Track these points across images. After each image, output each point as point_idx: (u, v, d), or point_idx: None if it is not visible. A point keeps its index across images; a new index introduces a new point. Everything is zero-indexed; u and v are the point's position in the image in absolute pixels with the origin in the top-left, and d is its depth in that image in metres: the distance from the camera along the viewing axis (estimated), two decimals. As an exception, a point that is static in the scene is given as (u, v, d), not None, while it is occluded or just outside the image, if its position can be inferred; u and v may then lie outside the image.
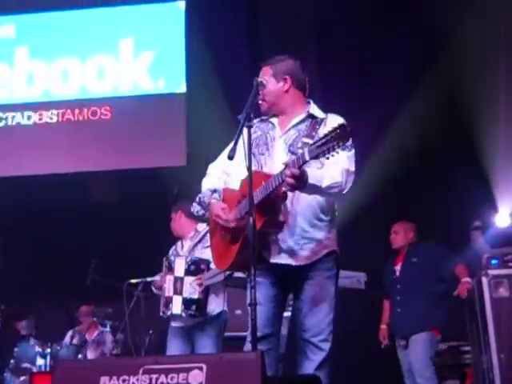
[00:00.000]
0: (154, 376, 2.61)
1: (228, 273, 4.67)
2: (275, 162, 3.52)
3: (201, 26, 8.00)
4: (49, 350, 6.76)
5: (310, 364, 3.45)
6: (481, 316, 5.67)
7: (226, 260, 3.62)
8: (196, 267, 5.19)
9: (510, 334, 5.38)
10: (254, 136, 3.52)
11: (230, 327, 5.85)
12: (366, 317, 6.47)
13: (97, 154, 8.03)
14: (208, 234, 4.38)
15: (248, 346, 3.39)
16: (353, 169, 3.46)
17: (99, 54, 8.47)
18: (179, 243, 5.56)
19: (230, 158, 3.30)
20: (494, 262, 5.68)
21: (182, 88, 8.17)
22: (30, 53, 8.51)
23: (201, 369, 2.59)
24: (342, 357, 6.07)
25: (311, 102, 3.73)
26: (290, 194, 3.41)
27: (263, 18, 7.88)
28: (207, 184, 3.73)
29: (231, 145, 3.57)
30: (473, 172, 6.91)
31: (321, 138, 3.11)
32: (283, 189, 3.34)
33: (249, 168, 3.31)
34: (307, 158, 3.13)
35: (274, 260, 3.50)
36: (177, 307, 5.16)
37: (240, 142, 3.45)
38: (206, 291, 5.19)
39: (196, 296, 5.14)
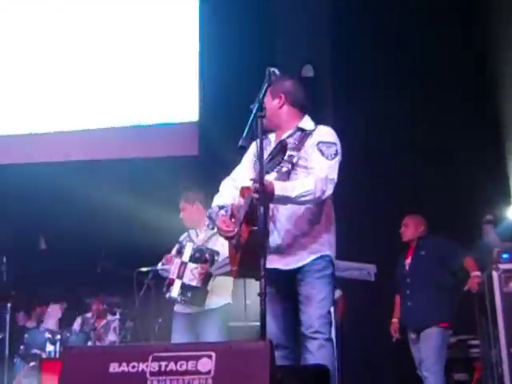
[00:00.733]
0: (164, 363, 2.62)
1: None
2: (270, 174, 3.62)
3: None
4: (58, 337, 6.78)
5: (309, 355, 3.58)
6: (491, 310, 5.66)
7: (235, 268, 3.76)
8: (200, 255, 5.22)
9: (519, 328, 5.38)
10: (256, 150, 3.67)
11: (239, 317, 5.88)
12: (375, 308, 6.47)
13: (107, 143, 8.05)
14: None
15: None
16: (332, 176, 3.62)
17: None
18: (193, 231, 5.56)
19: (242, 148, 3.39)
20: (504, 256, 5.67)
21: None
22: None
23: (210, 357, 2.60)
24: (352, 348, 6.12)
25: (306, 116, 3.90)
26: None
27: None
28: (217, 201, 3.90)
29: (243, 159, 3.97)
30: (486, 164, 6.87)
31: (269, 154, 3.45)
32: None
33: (260, 158, 3.37)
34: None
35: (273, 266, 3.61)
36: (175, 291, 5.22)
37: (250, 155, 3.82)
38: (206, 281, 5.22)
39: (194, 283, 5.18)
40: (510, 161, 7.07)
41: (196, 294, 5.18)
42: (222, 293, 5.35)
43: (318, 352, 3.56)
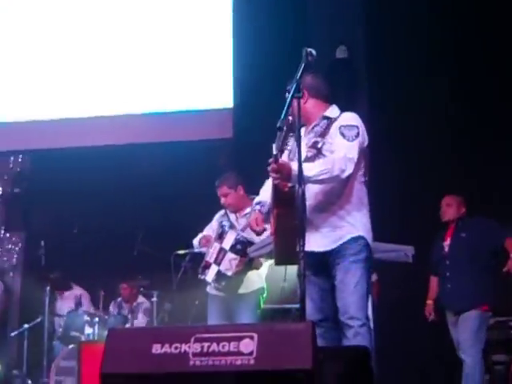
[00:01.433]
0: (206, 344, 2.62)
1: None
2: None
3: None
4: (97, 319, 6.86)
5: (346, 341, 3.62)
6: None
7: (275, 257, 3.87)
8: (242, 248, 5.23)
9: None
10: (288, 147, 3.71)
11: (276, 299, 5.89)
12: (413, 290, 6.43)
13: (145, 127, 8.10)
14: None
15: None
16: (351, 155, 3.68)
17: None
18: (233, 215, 5.51)
19: (280, 129, 3.39)
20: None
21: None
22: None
23: (252, 338, 2.60)
24: (389, 330, 6.10)
25: (333, 105, 3.97)
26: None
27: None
28: (258, 197, 4.02)
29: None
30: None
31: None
32: (288, 185, 3.54)
33: (298, 139, 3.42)
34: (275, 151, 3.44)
35: (310, 248, 3.60)
36: (210, 275, 5.28)
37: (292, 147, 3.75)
38: (241, 273, 5.26)
39: (230, 273, 5.22)
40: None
41: (229, 283, 5.24)
42: (256, 277, 5.36)
43: (354, 339, 3.58)
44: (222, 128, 7.83)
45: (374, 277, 6.12)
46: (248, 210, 5.48)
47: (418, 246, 5.49)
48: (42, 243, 7.02)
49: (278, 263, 3.95)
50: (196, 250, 5.62)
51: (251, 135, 7.04)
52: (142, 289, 7.40)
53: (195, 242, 5.61)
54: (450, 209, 6.01)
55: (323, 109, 3.93)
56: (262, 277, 5.44)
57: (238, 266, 5.20)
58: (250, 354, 2.57)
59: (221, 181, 5.49)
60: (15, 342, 8.07)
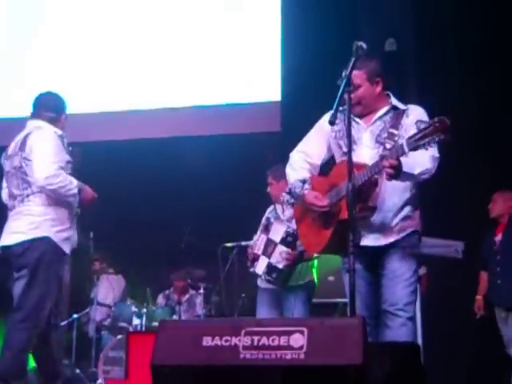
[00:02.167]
0: (256, 338, 2.63)
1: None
2: (364, 152, 3.68)
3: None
4: (144, 311, 6.92)
5: (389, 331, 3.57)
6: None
7: (320, 243, 3.76)
8: (293, 240, 5.21)
9: None
10: (335, 128, 3.73)
11: (322, 293, 5.88)
12: (463, 286, 6.37)
13: (192, 119, 8.15)
14: None
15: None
16: (437, 155, 3.57)
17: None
18: (279, 206, 5.53)
19: (331, 123, 3.42)
20: None
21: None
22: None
23: (302, 332, 2.60)
24: (436, 325, 6.06)
25: (390, 94, 3.87)
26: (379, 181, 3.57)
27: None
28: (295, 175, 3.89)
29: (311, 132, 3.97)
30: None
31: (419, 132, 3.22)
32: (375, 176, 3.49)
33: (348, 136, 3.40)
34: (406, 150, 3.29)
35: (364, 243, 3.61)
36: (260, 268, 5.27)
37: (323, 126, 3.75)
38: (292, 265, 5.23)
39: (281, 266, 5.21)
40: None
41: (280, 276, 5.21)
42: (306, 269, 5.36)
43: (400, 330, 3.55)
44: (270, 121, 7.83)
45: (424, 270, 6.08)
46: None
47: (468, 241, 5.45)
48: (91, 234, 7.09)
49: (321, 253, 3.92)
50: (243, 243, 5.64)
51: (299, 129, 6.99)
52: (189, 281, 7.45)
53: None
54: (495, 205, 5.97)
55: (386, 98, 3.85)
56: (313, 269, 5.43)
57: (289, 260, 5.19)
58: (300, 348, 2.57)
59: (270, 170, 5.59)
60: (64, 332, 8.20)
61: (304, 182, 3.81)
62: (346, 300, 3.57)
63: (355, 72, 3.64)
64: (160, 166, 7.85)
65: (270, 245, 5.28)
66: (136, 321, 6.92)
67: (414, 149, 3.24)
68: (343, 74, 3.46)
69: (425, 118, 3.63)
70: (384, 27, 7.65)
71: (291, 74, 7.92)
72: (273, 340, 2.62)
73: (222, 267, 5.87)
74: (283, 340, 2.61)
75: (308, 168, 3.89)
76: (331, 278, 6.18)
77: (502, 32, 7.10)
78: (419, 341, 5.04)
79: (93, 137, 8.31)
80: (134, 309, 6.98)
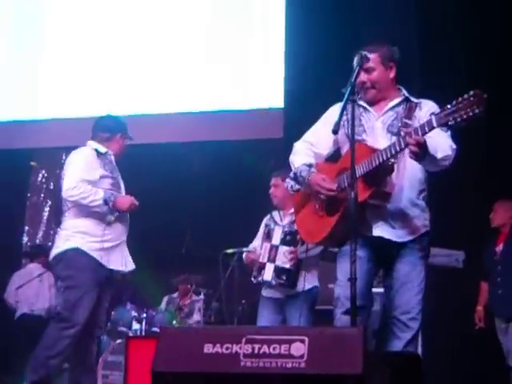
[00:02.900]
0: (257, 346, 2.64)
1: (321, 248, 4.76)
2: (375, 141, 3.57)
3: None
4: (144, 315, 6.92)
5: (399, 342, 3.48)
6: None
7: (319, 233, 3.66)
8: (292, 238, 5.21)
9: None
10: (344, 117, 3.55)
11: (322, 301, 5.87)
12: (463, 296, 6.36)
13: (194, 125, 8.16)
14: None
15: (341, 318, 3.44)
16: (455, 146, 3.49)
17: None
18: (276, 213, 5.50)
19: (335, 132, 3.38)
20: None
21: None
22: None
23: (303, 341, 2.61)
24: (438, 335, 6.04)
25: (402, 88, 3.78)
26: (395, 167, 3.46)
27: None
28: (300, 160, 3.76)
29: (318, 124, 3.87)
30: None
31: (452, 106, 3.12)
32: (391, 161, 3.40)
33: (351, 143, 3.36)
34: (435, 124, 3.18)
35: (376, 233, 3.51)
36: (268, 274, 5.26)
37: (331, 118, 3.61)
38: (299, 263, 5.21)
39: (288, 266, 5.20)
40: None
41: (289, 276, 5.19)
42: (310, 276, 5.34)
43: (411, 345, 3.45)
44: (273, 128, 7.84)
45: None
46: (292, 209, 5.51)
47: (468, 251, 5.44)
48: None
49: (324, 244, 3.84)
50: (244, 250, 5.63)
51: (301, 135, 7.01)
52: (190, 286, 7.45)
53: (244, 255, 5.63)
54: (496, 214, 5.96)
55: (397, 88, 3.75)
56: (316, 275, 5.40)
57: (293, 258, 5.17)
58: (301, 357, 2.58)
59: (279, 172, 5.50)
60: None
61: (310, 165, 3.69)
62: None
63: (369, 54, 3.61)
64: (162, 171, 7.86)
65: (272, 250, 5.29)
66: (136, 325, 6.92)
67: (444, 124, 3.14)
68: (347, 84, 3.46)
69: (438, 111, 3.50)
70: (387, 36, 7.65)
71: (294, 80, 7.93)
72: (274, 348, 2.63)
73: (222, 273, 5.86)
74: (284, 348, 2.61)
75: (313, 156, 3.78)
76: (331, 286, 6.15)
77: (507, 33, 7.07)
78: (419, 350, 5.02)
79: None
80: (133, 313, 6.98)
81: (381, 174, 3.40)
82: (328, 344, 2.59)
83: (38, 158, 9.53)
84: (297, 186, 3.80)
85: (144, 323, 6.87)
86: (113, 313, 7.23)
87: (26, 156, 8.73)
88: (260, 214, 5.70)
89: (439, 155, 3.36)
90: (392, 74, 3.70)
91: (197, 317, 7.26)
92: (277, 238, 5.30)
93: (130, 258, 4.88)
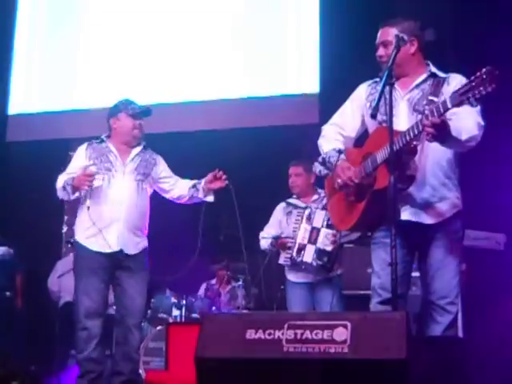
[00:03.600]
0: (299, 331, 2.65)
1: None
2: (400, 121, 3.48)
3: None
4: (184, 302, 6.97)
5: (438, 326, 3.44)
6: None
7: (350, 219, 3.63)
8: None
9: None
10: (370, 98, 3.59)
11: (361, 285, 5.85)
12: (503, 279, 6.29)
13: (229, 112, 8.18)
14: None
15: (376, 308, 3.43)
16: (483, 122, 3.40)
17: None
18: (298, 201, 5.63)
19: (373, 116, 3.35)
20: None
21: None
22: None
23: (345, 326, 2.61)
24: (478, 319, 5.99)
25: (430, 63, 3.69)
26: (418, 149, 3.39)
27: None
28: (329, 145, 3.73)
29: (346, 105, 3.83)
30: None
31: (465, 85, 3.04)
32: (414, 143, 3.33)
33: (390, 128, 3.30)
34: (449, 105, 3.10)
35: (404, 217, 3.45)
36: (308, 255, 5.30)
37: (356, 96, 3.67)
38: (338, 248, 5.23)
39: (329, 248, 5.23)
40: None
41: (330, 258, 5.24)
42: (339, 261, 5.37)
43: (451, 329, 3.41)
44: (308, 113, 7.81)
45: (463, 266, 6.01)
46: (315, 197, 5.53)
47: (509, 233, 5.37)
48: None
49: (352, 230, 3.76)
50: (283, 235, 5.64)
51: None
52: (228, 273, 7.48)
53: (264, 243, 5.63)
54: None
55: (424, 64, 3.66)
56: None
57: (334, 241, 5.20)
58: (344, 342, 2.59)
59: (300, 161, 5.62)
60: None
61: (340, 151, 3.65)
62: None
63: (387, 28, 3.59)
64: (198, 158, 7.86)
65: (313, 231, 5.33)
66: (175, 312, 6.99)
67: (459, 104, 3.05)
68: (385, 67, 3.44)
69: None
70: (421, 17, 7.56)
71: (329, 65, 7.90)
72: (316, 334, 2.64)
73: (261, 259, 5.88)
74: (327, 334, 2.62)
75: (342, 141, 3.74)
76: (369, 271, 6.13)
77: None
78: (460, 335, 4.99)
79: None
80: (173, 300, 7.04)
81: (403, 157, 3.34)
82: (371, 329, 2.59)
83: (76, 148, 9.56)
84: (325, 171, 3.81)
85: (184, 310, 6.92)
86: (152, 300, 7.30)
87: (65, 146, 8.77)
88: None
89: (464, 136, 3.28)
90: (413, 49, 3.61)
91: (239, 303, 7.29)
92: (318, 220, 5.31)
93: (134, 239, 4.81)
